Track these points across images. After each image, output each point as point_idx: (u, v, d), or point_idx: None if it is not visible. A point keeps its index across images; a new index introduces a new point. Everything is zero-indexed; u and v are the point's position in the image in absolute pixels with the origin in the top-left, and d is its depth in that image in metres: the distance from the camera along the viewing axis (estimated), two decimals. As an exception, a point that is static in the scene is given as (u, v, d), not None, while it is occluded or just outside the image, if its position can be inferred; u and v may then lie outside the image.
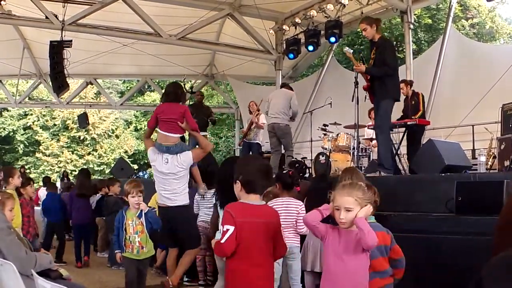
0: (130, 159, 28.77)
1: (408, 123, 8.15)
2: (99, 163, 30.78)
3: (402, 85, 7.98)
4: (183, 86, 6.55)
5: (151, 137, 6.22)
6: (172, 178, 5.55)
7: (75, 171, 28.62)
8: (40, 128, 30.85)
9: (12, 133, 30.72)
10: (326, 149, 9.88)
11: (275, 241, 3.06)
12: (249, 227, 2.93)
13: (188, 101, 12.98)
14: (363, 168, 8.71)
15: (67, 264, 7.64)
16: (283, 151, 9.67)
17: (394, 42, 7.96)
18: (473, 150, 9.87)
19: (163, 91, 6.31)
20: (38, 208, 10.39)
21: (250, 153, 10.80)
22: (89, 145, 31.31)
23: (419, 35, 22.61)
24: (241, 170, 3.11)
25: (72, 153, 30.73)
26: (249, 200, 3.05)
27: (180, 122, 5.61)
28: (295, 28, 13.34)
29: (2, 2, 12.08)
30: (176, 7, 13.48)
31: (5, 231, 3.31)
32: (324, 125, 10.21)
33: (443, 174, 5.83)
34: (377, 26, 6.83)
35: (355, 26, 14.45)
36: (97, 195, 9.19)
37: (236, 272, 2.96)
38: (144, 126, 28.77)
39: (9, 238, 3.29)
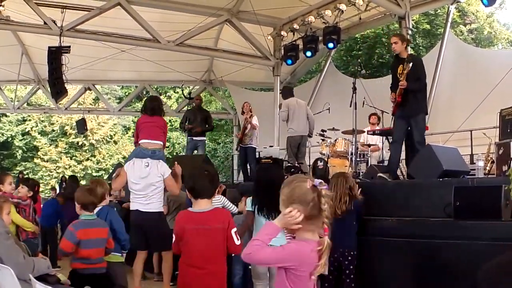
0: (128, 165, 28.65)
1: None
2: (97, 169, 30.69)
3: None
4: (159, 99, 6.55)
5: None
6: (150, 183, 5.58)
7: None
8: (39, 133, 30.79)
9: (10, 139, 30.65)
10: (324, 154, 9.88)
11: (226, 242, 3.28)
12: (191, 233, 3.22)
13: (187, 106, 13.01)
14: (361, 174, 8.71)
15: (62, 269, 7.60)
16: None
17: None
18: (471, 155, 9.88)
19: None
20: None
21: (246, 157, 10.80)
22: (87, 151, 31.24)
23: (417, 41, 22.62)
24: (187, 179, 3.38)
25: (71, 159, 30.66)
26: (196, 206, 3.29)
27: (160, 133, 5.77)
28: (293, 34, 13.35)
29: (1, 8, 12.09)
30: (175, 13, 13.49)
31: (3, 235, 3.30)
32: (322, 130, 10.21)
33: (441, 179, 5.83)
34: (407, 45, 7.26)
35: (353, 31, 14.52)
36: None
37: (185, 272, 3.27)
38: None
39: (8, 243, 3.28)
